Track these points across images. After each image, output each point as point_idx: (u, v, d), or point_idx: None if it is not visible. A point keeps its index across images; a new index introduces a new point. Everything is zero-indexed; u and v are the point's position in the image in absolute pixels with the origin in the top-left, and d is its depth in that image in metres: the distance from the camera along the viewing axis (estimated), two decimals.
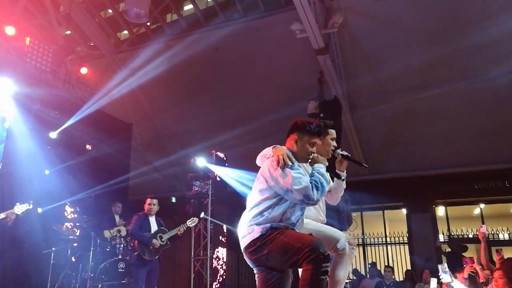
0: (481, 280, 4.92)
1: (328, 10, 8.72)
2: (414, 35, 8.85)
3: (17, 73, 7.58)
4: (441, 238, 11.02)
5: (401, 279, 9.50)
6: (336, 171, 3.07)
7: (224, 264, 8.67)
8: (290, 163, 2.61)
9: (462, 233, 10.92)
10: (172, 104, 11.59)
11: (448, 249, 9.38)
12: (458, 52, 8.63)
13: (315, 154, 2.79)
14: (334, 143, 3.17)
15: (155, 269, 6.10)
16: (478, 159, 10.01)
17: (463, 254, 8.03)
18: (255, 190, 2.72)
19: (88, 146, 9.10)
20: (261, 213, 2.62)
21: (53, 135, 8.17)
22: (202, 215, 8.03)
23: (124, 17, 9.24)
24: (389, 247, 11.34)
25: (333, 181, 3.13)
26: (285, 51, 9.63)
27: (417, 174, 10.72)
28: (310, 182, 2.54)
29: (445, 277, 4.71)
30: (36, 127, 7.49)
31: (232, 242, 8.62)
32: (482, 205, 11.04)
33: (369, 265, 10.11)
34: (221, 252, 8.68)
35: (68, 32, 11.80)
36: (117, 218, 7.45)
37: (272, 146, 2.81)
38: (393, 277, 8.69)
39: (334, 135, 3.21)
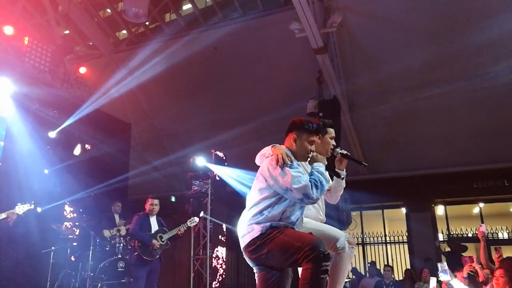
0: (481, 280, 4.92)
1: (327, 9, 8.72)
2: (414, 35, 8.84)
3: (16, 73, 7.57)
4: (441, 237, 11.03)
5: (401, 278, 9.52)
6: (336, 170, 3.07)
7: (223, 263, 8.66)
8: (289, 162, 2.60)
9: (462, 232, 10.93)
10: (171, 103, 11.59)
11: (448, 249, 9.40)
12: (458, 52, 8.63)
13: (315, 153, 2.79)
14: (333, 142, 3.18)
15: (156, 269, 6.08)
16: (477, 158, 10.03)
17: (462, 254, 8.04)
18: (255, 189, 2.72)
19: (87, 146, 9.09)
20: (260, 212, 2.62)
21: (52, 134, 8.17)
22: (201, 214, 8.03)
23: (123, 16, 9.22)
24: (388, 246, 11.34)
25: (332, 180, 3.13)
26: (284, 51, 9.63)
27: (416, 173, 10.73)
28: (310, 181, 2.54)
29: (445, 275, 4.72)
30: (35, 126, 7.48)
31: (231, 241, 8.61)
32: (481, 204, 11.05)
33: (369, 264, 10.13)
34: (221, 251, 8.66)
35: (67, 31, 11.79)
36: (116, 217, 7.45)
37: (271, 145, 2.81)
38: (393, 276, 8.69)
39: (333, 134, 3.21)
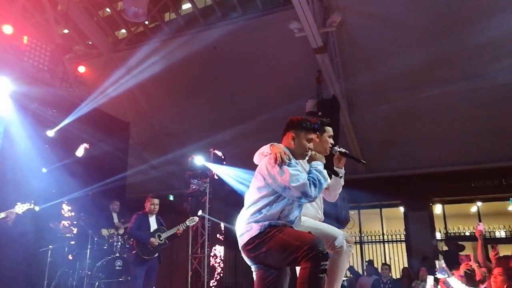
0: (478, 278, 4.95)
1: (327, 9, 8.73)
2: (414, 35, 8.85)
3: (15, 72, 7.56)
4: (438, 236, 11.06)
5: (398, 276, 9.54)
6: (334, 168, 3.08)
7: (221, 262, 8.66)
8: (287, 160, 2.61)
9: (459, 231, 10.97)
10: (170, 102, 11.59)
11: (445, 248, 9.42)
12: (457, 52, 8.63)
13: (313, 152, 2.80)
14: (332, 141, 3.19)
15: (154, 268, 6.09)
16: (475, 157, 10.05)
17: (460, 253, 8.06)
18: (253, 188, 2.73)
19: (85, 145, 9.08)
20: (259, 211, 2.62)
21: (51, 133, 8.16)
22: (199, 213, 8.04)
23: (122, 16, 9.21)
24: (386, 245, 11.38)
25: (331, 178, 3.14)
26: (283, 50, 9.63)
27: (414, 172, 10.75)
28: (308, 179, 2.54)
29: (442, 274, 4.74)
30: (33, 125, 7.46)
31: (229, 240, 8.61)
32: (479, 203, 11.09)
33: (366, 263, 10.15)
34: (219, 250, 8.67)
35: (66, 31, 11.77)
36: (114, 216, 7.44)
37: (269, 144, 2.82)
38: (390, 274, 8.72)
39: (331, 133, 3.22)
